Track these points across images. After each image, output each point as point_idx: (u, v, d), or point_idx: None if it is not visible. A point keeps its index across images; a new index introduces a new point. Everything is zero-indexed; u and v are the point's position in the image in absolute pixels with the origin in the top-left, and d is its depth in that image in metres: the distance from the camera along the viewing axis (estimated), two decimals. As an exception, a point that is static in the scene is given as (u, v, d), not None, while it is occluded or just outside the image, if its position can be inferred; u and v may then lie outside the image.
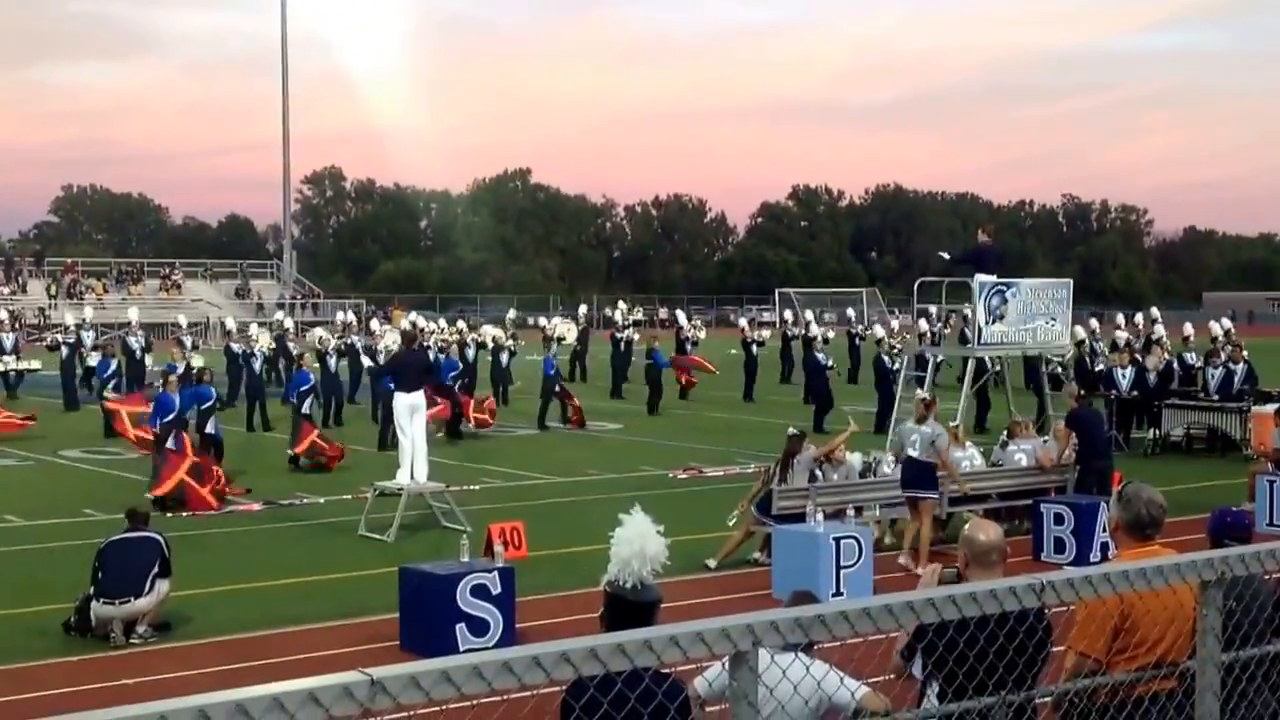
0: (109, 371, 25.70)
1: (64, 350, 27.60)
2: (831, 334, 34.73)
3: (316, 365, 23.74)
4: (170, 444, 16.08)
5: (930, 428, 12.84)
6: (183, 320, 34.93)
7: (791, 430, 13.36)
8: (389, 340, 27.66)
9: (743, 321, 31.67)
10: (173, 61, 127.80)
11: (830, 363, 25.98)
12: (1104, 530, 12.22)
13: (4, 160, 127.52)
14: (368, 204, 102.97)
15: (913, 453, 12.70)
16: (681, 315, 34.61)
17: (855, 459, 13.89)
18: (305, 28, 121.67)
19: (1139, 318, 28.72)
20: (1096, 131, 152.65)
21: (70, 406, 26.40)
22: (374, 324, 29.76)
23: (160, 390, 18.02)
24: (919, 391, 15.03)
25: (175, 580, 10.38)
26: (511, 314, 36.98)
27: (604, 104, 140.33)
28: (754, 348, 30.90)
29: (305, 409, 20.05)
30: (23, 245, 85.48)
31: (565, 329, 37.35)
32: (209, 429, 18.01)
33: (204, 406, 18.36)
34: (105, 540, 10.42)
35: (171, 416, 16.89)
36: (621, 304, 38.63)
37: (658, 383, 27.15)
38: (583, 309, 38.89)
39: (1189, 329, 26.72)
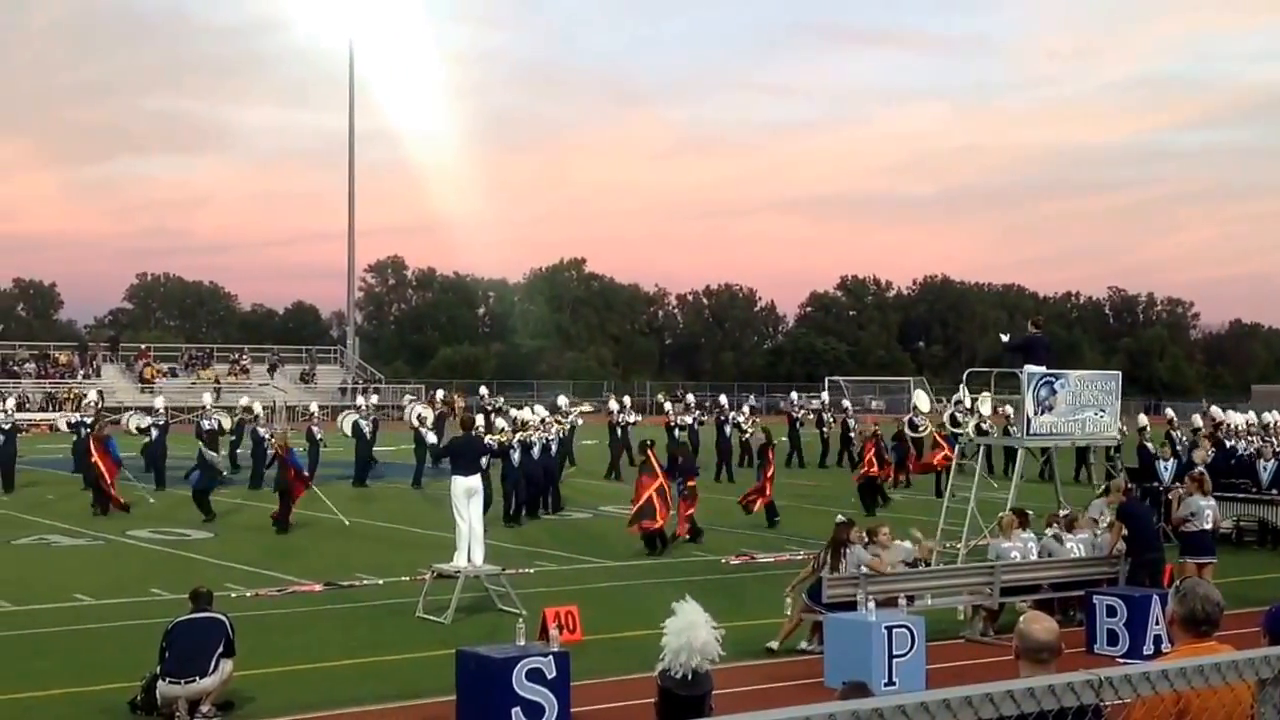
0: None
1: (154, 432, 28.16)
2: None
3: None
4: None
5: (1214, 501, 15.29)
6: (254, 404, 35.34)
7: (840, 518, 13.40)
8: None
9: (745, 409, 32.51)
10: (244, 156, 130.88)
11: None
12: (1157, 623, 12.14)
13: (82, 250, 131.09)
14: (428, 292, 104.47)
15: (1206, 525, 14.71)
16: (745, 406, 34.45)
17: (905, 547, 13.81)
18: (371, 124, 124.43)
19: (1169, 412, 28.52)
20: (1139, 225, 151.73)
21: (160, 487, 26.95)
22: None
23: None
24: (1200, 468, 17.11)
25: (239, 660, 10.58)
26: (581, 408, 36.73)
27: (656, 196, 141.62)
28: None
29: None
30: (98, 331, 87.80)
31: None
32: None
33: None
34: (173, 621, 10.66)
35: None
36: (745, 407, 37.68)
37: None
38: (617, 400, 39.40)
39: (1238, 418, 26.74)
